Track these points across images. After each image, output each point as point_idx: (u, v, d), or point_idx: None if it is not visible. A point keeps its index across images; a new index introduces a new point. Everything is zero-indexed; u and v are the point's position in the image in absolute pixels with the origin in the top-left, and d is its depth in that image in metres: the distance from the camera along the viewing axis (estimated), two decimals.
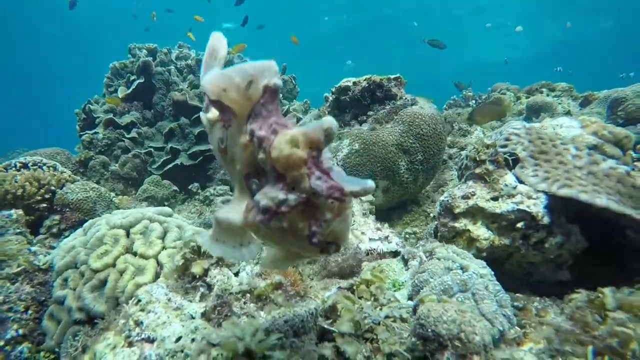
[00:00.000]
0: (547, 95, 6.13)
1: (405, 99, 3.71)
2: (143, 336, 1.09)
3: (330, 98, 3.91)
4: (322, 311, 1.17)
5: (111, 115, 4.75)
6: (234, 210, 0.76)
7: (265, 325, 0.95)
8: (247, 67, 0.65)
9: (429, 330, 1.11)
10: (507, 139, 2.28)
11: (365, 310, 1.25)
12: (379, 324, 1.22)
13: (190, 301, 1.22)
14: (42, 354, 1.49)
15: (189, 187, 4.32)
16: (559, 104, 5.57)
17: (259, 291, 1.19)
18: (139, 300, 1.18)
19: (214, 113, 0.78)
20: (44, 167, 3.17)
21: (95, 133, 4.61)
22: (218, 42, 0.99)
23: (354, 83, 3.75)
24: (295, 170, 0.61)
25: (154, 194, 3.87)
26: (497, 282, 1.53)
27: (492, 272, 1.56)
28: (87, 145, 4.53)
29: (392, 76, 3.87)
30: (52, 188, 2.89)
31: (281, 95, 6.15)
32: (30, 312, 1.56)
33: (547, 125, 2.93)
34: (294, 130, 0.62)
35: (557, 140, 2.25)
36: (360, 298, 1.39)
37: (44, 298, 1.63)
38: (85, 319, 1.52)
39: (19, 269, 1.61)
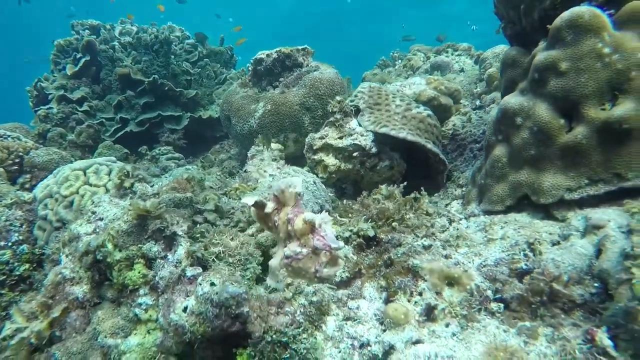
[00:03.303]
0: (452, 54, 7.11)
1: (310, 66, 4.56)
2: (97, 218, 1.98)
3: (250, 68, 4.71)
4: (199, 199, 2.10)
5: (63, 92, 5.36)
6: (276, 260, 1.34)
7: (158, 200, 1.86)
8: (295, 183, 1.26)
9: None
10: (355, 95, 3.22)
11: (225, 200, 2.19)
12: (232, 207, 2.17)
13: (124, 200, 2.11)
14: (36, 250, 2.36)
15: (139, 150, 5.09)
16: (456, 62, 6.55)
17: (162, 192, 2.09)
18: (93, 202, 2.06)
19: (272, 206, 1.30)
20: (9, 138, 3.87)
21: (50, 108, 5.23)
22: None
23: (267, 55, 4.55)
24: (305, 236, 1.17)
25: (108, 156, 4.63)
26: (318, 186, 2.50)
27: (317, 181, 2.53)
28: (44, 119, 5.15)
29: (300, 47, 4.70)
30: (20, 154, 3.62)
31: (218, 65, 6.83)
32: (24, 226, 2.40)
33: (405, 83, 3.90)
34: (304, 215, 1.18)
35: (390, 94, 3.20)
36: (229, 197, 2.33)
37: (32, 218, 2.47)
38: (61, 226, 2.39)
39: (11, 201, 2.44)
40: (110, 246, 1.78)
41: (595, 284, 1.72)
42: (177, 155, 4.95)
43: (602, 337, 1.47)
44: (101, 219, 1.98)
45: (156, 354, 1.76)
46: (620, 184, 2.01)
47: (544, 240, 2.07)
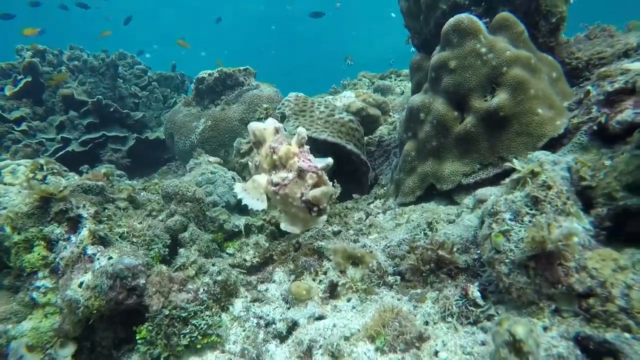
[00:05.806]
0: (395, 79, 7.57)
1: (251, 85, 4.75)
2: (0, 207, 1.97)
3: (193, 87, 4.84)
4: (114, 190, 2.14)
5: None
6: (262, 178, 1.37)
7: (64, 183, 1.89)
8: (271, 122, 1.40)
9: (165, 192, 2.12)
10: (282, 104, 3.39)
11: (144, 194, 2.23)
12: (149, 200, 2.21)
13: None
14: None
15: (80, 169, 5.00)
16: (398, 86, 6.98)
17: (76, 184, 2.11)
18: None
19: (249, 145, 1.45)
20: None
21: None
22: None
23: (209, 74, 4.71)
24: (291, 160, 1.22)
25: None
26: (236, 181, 2.59)
27: (235, 176, 2.62)
28: None
29: (242, 68, 4.89)
30: None
31: (169, 89, 6.93)
32: None
33: (337, 97, 4.13)
34: (288, 141, 1.29)
35: (315, 102, 3.40)
36: (147, 192, 2.37)
37: None
38: None
39: None
40: (8, 229, 1.77)
41: (478, 251, 1.87)
42: (119, 172, 4.90)
43: (473, 291, 1.61)
44: (5, 208, 1.97)
45: (52, 338, 1.73)
46: (504, 166, 2.23)
47: (442, 220, 2.23)
